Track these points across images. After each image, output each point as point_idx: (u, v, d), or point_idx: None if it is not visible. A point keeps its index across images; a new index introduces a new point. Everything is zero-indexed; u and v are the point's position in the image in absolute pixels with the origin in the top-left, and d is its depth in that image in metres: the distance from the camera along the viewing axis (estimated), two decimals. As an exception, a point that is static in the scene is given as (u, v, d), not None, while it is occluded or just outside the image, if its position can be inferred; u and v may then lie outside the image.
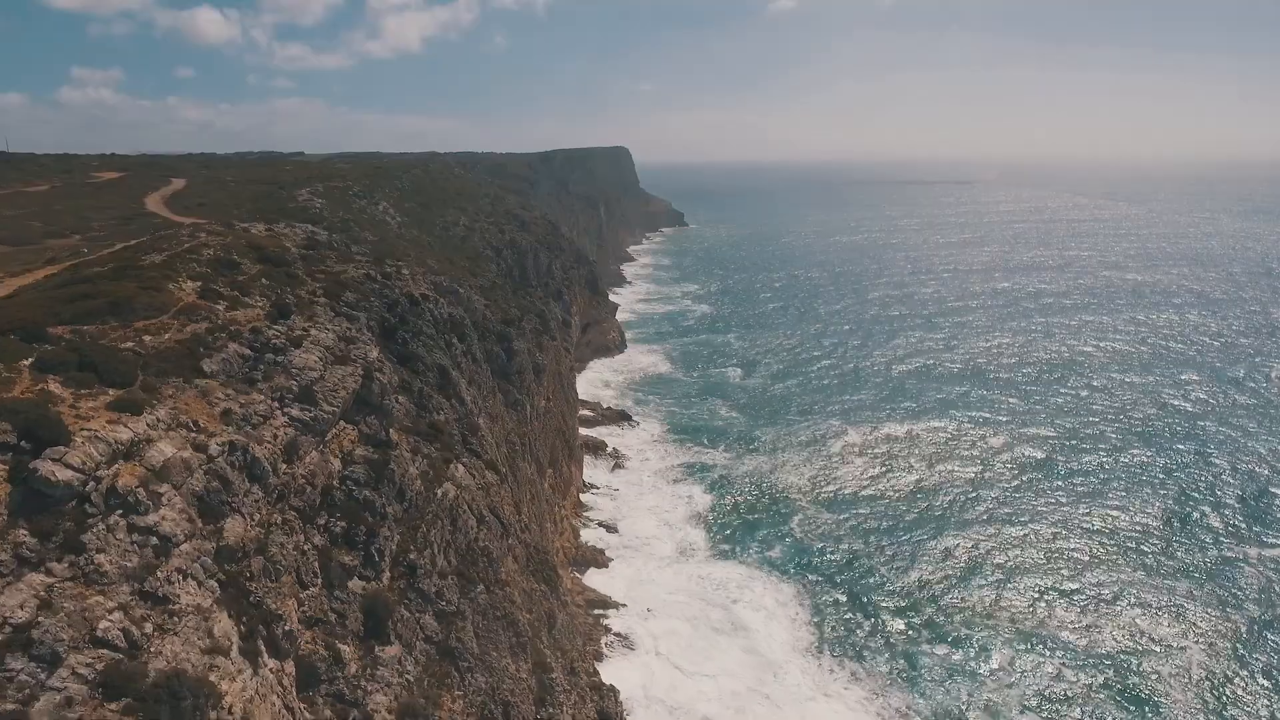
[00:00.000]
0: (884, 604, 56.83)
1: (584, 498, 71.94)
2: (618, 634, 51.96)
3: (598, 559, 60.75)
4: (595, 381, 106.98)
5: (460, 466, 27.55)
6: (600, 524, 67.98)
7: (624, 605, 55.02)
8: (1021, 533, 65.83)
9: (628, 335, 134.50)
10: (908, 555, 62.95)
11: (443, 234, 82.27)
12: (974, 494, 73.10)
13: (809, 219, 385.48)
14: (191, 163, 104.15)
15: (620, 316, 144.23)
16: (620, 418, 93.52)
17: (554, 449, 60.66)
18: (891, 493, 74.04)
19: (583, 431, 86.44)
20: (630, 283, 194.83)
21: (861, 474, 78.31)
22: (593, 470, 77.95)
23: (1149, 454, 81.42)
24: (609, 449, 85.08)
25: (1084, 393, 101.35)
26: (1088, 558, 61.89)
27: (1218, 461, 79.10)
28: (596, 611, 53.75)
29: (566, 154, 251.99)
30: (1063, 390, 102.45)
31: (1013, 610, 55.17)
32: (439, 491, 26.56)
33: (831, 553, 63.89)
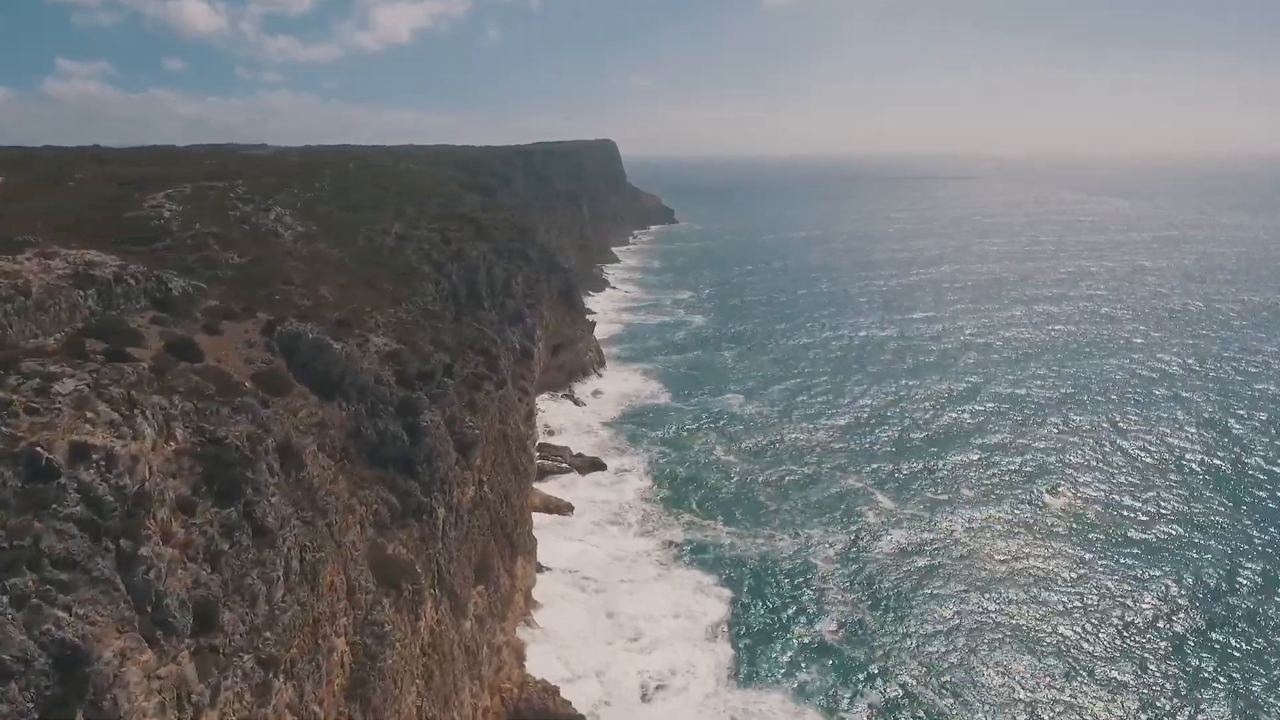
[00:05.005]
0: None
1: (537, 594, 54.79)
2: None
3: (550, 705, 43.60)
4: (564, 418, 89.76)
5: None
6: (559, 640, 50.93)
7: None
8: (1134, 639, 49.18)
9: (609, 353, 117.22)
10: (984, 684, 46.16)
11: (365, 246, 64.83)
12: (1057, 587, 56.28)
13: (808, 216, 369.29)
14: (83, 156, 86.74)
15: (602, 330, 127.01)
16: (592, 467, 76.41)
17: (486, 554, 43.48)
18: (948, 579, 57.14)
19: (544, 489, 69.40)
20: (614, 287, 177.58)
21: (902, 551, 61.42)
22: (552, 547, 60.48)
23: None
24: (575, 511, 68.15)
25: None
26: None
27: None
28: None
29: (548, 148, 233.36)
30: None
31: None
32: None
33: (879, 675, 47.09)
